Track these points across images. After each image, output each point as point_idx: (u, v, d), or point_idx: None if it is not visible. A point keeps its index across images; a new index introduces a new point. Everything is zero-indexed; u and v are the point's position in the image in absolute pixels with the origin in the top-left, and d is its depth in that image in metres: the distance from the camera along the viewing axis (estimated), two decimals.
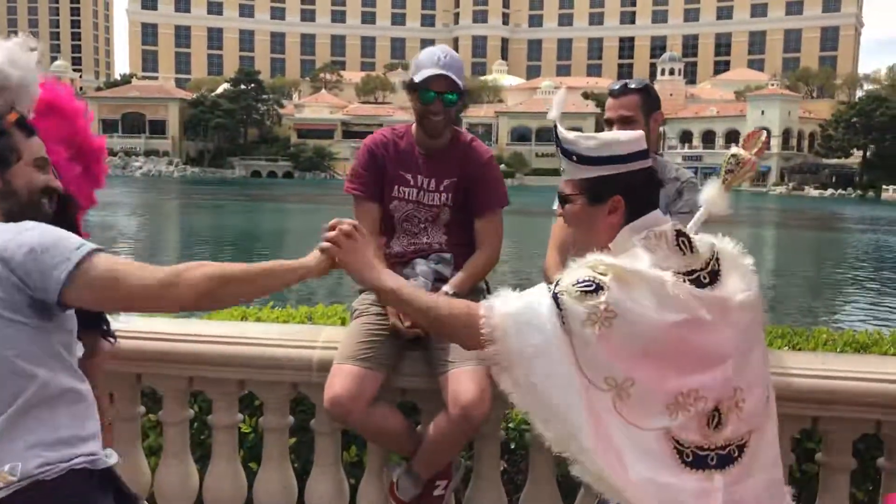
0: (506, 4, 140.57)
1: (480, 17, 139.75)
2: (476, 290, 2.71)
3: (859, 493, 2.77)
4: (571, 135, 1.79)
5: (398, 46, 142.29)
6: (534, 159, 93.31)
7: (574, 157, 1.78)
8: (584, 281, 1.64)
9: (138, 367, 2.63)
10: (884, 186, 79.72)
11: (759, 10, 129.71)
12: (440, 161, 2.71)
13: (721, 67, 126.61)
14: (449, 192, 2.70)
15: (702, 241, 1.76)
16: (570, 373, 1.63)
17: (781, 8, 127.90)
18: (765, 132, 1.93)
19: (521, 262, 17.76)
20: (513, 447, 3.06)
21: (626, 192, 1.76)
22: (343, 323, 3.59)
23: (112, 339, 2.36)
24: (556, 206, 2.89)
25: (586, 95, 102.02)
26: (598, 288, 1.62)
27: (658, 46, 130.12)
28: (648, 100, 2.79)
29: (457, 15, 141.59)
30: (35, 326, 1.62)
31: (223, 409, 2.69)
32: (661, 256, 1.69)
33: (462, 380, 2.36)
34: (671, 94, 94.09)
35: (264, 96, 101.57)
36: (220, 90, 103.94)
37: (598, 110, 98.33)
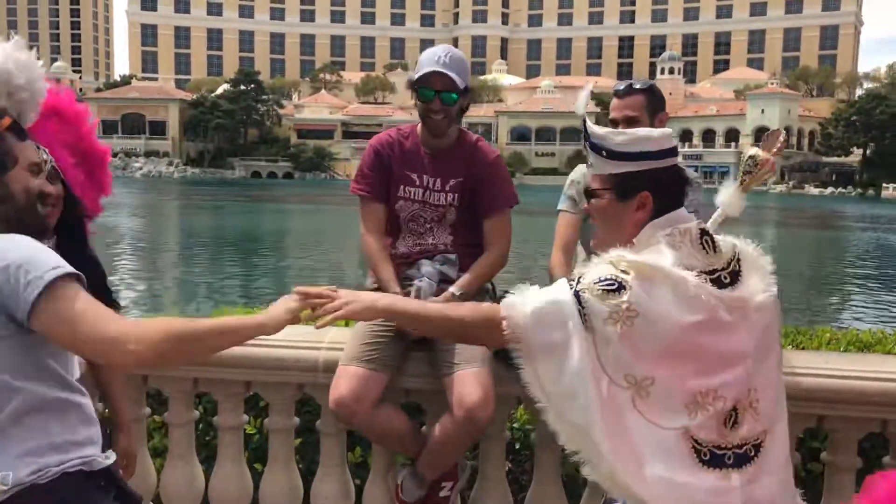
0: (505, 4, 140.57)
1: (480, 17, 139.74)
2: (482, 291, 2.72)
3: None
4: (602, 130, 1.80)
5: (398, 46, 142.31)
6: (533, 158, 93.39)
7: (604, 153, 1.78)
8: (607, 279, 1.64)
9: (143, 368, 2.62)
10: (884, 185, 79.73)
11: (758, 9, 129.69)
12: (446, 161, 2.72)
13: (721, 66, 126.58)
14: (455, 191, 2.70)
15: (724, 241, 1.77)
16: (589, 370, 1.64)
17: (781, 7, 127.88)
18: (784, 132, 1.98)
19: (522, 261, 17.76)
20: (517, 447, 3.06)
21: (655, 188, 1.76)
22: (346, 324, 3.60)
23: None
24: (561, 205, 2.91)
25: None
26: (621, 287, 1.62)
27: (658, 45, 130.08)
28: (653, 100, 2.80)
29: (456, 15, 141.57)
30: (18, 340, 1.58)
31: (229, 410, 2.69)
32: (684, 254, 1.70)
33: (466, 382, 2.37)
34: (671, 93, 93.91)
35: (264, 97, 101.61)
36: (219, 91, 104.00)
37: (598, 109, 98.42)
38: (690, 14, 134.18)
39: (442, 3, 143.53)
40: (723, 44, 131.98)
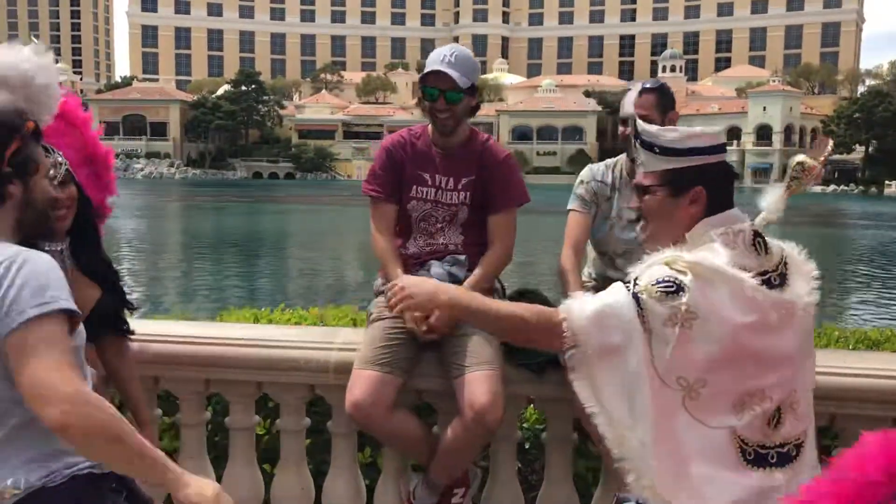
0: (506, 3, 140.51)
1: (480, 16, 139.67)
2: (491, 290, 2.72)
3: None
4: (653, 127, 1.83)
5: (398, 46, 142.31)
6: (535, 158, 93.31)
7: (656, 149, 1.81)
8: (665, 281, 1.66)
9: (156, 369, 2.64)
10: (886, 182, 79.63)
11: (759, 7, 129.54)
12: (458, 160, 2.72)
13: (722, 64, 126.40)
14: (467, 190, 2.71)
15: (772, 243, 1.80)
16: (643, 372, 1.66)
17: (782, 4, 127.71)
18: (831, 140, 2.00)
19: (525, 260, 17.76)
20: (527, 447, 3.06)
21: (707, 183, 1.79)
22: (354, 324, 3.61)
23: (131, 335, 2.39)
24: (571, 205, 2.91)
25: (587, 93, 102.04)
26: (679, 289, 1.64)
27: (659, 44, 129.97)
28: (664, 99, 2.81)
29: (457, 14, 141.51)
30: None
31: (240, 411, 2.70)
32: (737, 254, 1.72)
33: (476, 384, 2.37)
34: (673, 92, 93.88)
35: (265, 97, 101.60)
36: (220, 91, 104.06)
37: (600, 108, 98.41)
38: (691, 12, 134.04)
39: (442, 3, 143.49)
40: (724, 42, 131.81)
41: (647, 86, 2.85)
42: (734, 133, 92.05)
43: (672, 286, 1.64)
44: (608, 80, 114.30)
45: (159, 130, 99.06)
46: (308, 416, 2.80)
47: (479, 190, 2.72)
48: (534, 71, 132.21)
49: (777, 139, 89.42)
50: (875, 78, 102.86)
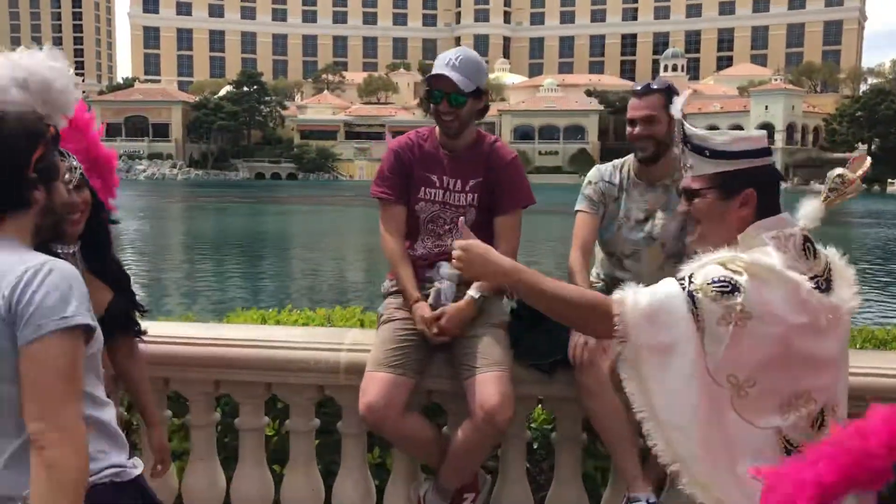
0: (507, 3, 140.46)
1: (482, 16, 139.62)
2: (500, 291, 2.73)
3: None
4: (702, 131, 1.86)
5: (400, 47, 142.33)
6: (537, 157, 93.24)
7: (707, 153, 1.84)
8: (721, 281, 1.67)
9: (166, 371, 2.65)
10: (889, 180, 79.46)
11: (761, 5, 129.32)
12: (465, 162, 2.73)
13: (724, 63, 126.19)
14: (475, 192, 2.72)
15: (818, 249, 1.82)
16: (694, 370, 1.68)
17: (784, 3, 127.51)
18: (869, 157, 2.04)
19: (527, 260, 17.80)
20: (535, 447, 3.07)
21: (757, 185, 1.82)
22: (362, 324, 3.61)
23: (143, 336, 2.40)
24: (578, 206, 2.91)
25: (589, 93, 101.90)
26: (735, 289, 1.66)
27: (660, 43, 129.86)
28: (671, 99, 2.79)
29: (458, 14, 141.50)
30: None
31: (250, 412, 2.71)
32: (789, 258, 1.74)
33: (486, 385, 2.39)
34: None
35: (267, 98, 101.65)
36: (222, 92, 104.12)
37: (602, 107, 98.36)
38: (693, 11, 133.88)
39: (444, 3, 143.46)
40: (726, 40, 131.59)
41: (654, 86, 2.84)
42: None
43: (727, 286, 1.66)
44: (610, 80, 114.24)
45: (161, 131, 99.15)
46: (317, 416, 2.81)
47: (487, 192, 2.73)
48: (535, 70, 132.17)
49: (779, 138, 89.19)
50: (877, 76, 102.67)
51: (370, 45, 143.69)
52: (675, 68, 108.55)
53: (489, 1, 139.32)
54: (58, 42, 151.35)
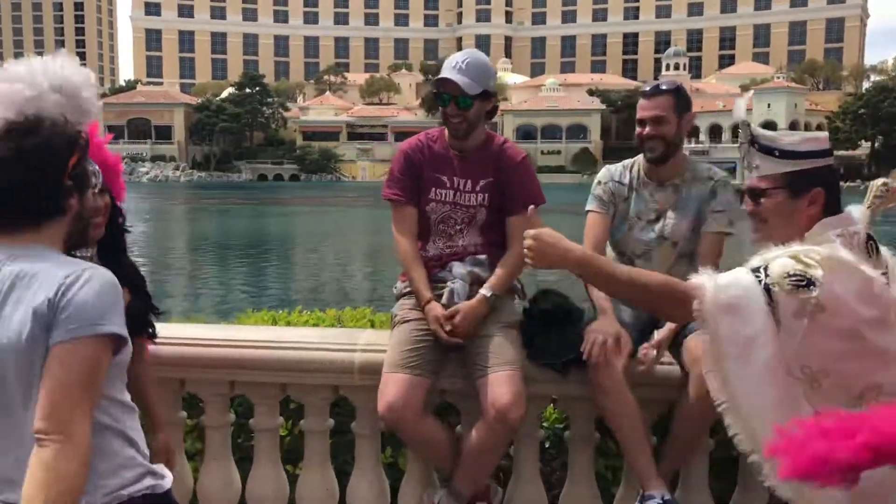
0: (509, 3, 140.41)
1: (483, 17, 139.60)
2: (511, 290, 2.75)
3: None
4: (770, 132, 1.90)
5: (402, 47, 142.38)
6: (539, 157, 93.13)
7: (776, 153, 1.88)
8: (796, 275, 1.70)
9: (182, 372, 2.67)
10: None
11: (763, 3, 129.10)
12: (475, 162, 2.75)
13: (726, 61, 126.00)
14: (485, 192, 2.74)
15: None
16: (771, 363, 1.70)
17: (786, 0, 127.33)
18: None
19: None
20: (547, 446, 3.09)
21: (825, 184, 1.87)
22: (372, 325, 3.63)
23: (155, 338, 2.42)
24: (589, 206, 2.92)
25: (591, 92, 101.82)
26: (810, 283, 1.68)
27: (662, 42, 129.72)
28: (680, 100, 2.81)
29: (460, 14, 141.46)
30: None
31: (265, 413, 2.73)
32: (854, 255, 1.77)
33: (498, 383, 2.41)
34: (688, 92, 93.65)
35: (269, 99, 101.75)
36: (224, 94, 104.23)
37: (604, 106, 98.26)
38: (695, 9, 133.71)
39: (445, 3, 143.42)
40: (728, 39, 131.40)
41: (664, 87, 2.85)
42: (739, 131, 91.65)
43: (803, 280, 1.69)
44: (612, 79, 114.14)
45: (164, 134, 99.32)
46: (330, 416, 2.83)
47: (497, 192, 2.75)
48: (537, 70, 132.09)
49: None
50: (880, 73, 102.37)
51: (372, 45, 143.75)
52: (677, 67, 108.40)
53: (490, 1, 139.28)
54: (60, 45, 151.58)
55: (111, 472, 1.65)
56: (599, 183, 2.93)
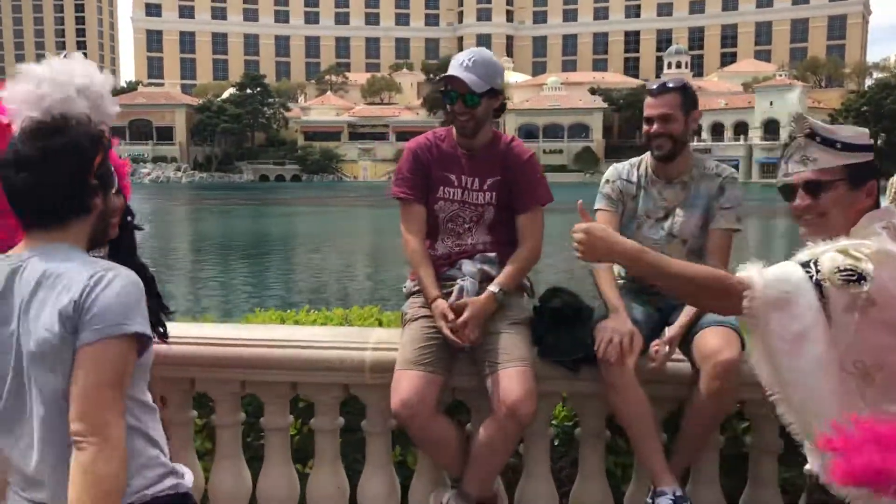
0: (510, 2, 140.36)
1: (484, 16, 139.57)
2: (520, 288, 2.76)
3: None
4: (831, 126, 1.92)
5: (402, 47, 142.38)
6: (541, 156, 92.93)
7: (838, 145, 1.90)
8: (847, 270, 1.71)
9: (193, 371, 2.67)
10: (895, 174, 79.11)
11: (764, 1, 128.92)
12: (482, 161, 2.76)
13: (728, 59, 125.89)
14: (493, 190, 2.74)
15: None
16: (823, 357, 1.71)
17: None
18: None
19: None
20: (556, 444, 3.09)
21: (876, 177, 1.91)
22: (380, 324, 3.64)
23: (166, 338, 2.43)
24: (598, 204, 2.92)
25: (593, 91, 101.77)
26: (861, 277, 1.69)
27: (664, 40, 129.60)
28: (687, 98, 2.82)
29: (461, 14, 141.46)
30: None
31: (275, 411, 2.73)
32: None
33: (509, 379, 2.41)
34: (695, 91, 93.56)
35: (270, 100, 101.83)
36: (225, 95, 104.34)
37: (606, 105, 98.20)
38: (696, 7, 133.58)
39: (446, 3, 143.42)
40: (729, 37, 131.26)
41: (670, 85, 2.85)
42: (741, 128, 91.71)
43: (853, 274, 1.70)
44: (613, 77, 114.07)
45: (165, 135, 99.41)
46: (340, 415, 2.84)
47: (505, 190, 2.75)
48: (539, 69, 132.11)
49: (785, 134, 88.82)
50: (882, 70, 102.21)
51: (373, 45, 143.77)
52: (678, 65, 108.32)
53: (491, 0, 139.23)
54: (61, 46, 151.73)
55: (135, 472, 1.66)
56: (608, 181, 2.94)
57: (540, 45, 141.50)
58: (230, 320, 5.47)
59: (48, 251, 1.66)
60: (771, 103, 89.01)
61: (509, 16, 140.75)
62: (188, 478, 1.81)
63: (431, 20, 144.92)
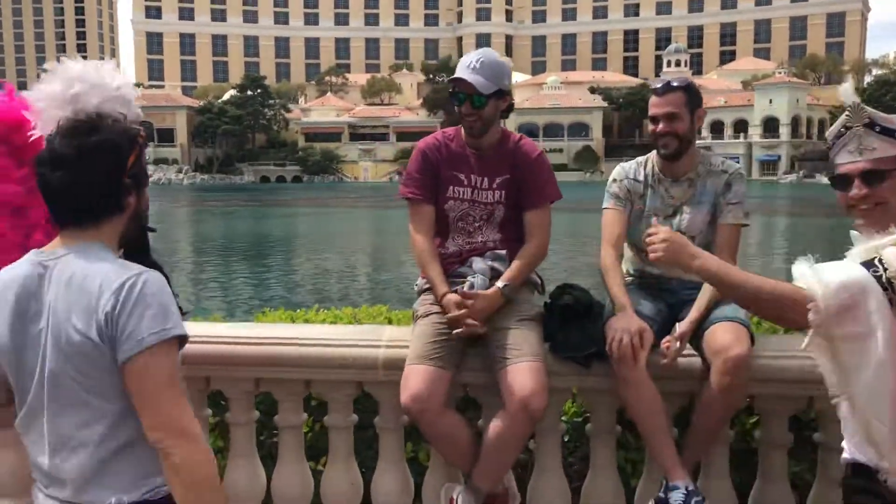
0: (509, 2, 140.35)
1: (484, 15, 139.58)
2: (529, 283, 2.78)
3: None
4: (888, 115, 1.92)
5: (402, 47, 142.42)
6: None
7: None
8: None
9: (207, 370, 2.70)
10: None
11: None
12: (491, 160, 2.79)
13: (727, 57, 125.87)
14: (502, 189, 2.77)
15: None
16: (890, 355, 1.71)
17: None
18: None
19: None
20: (566, 439, 3.11)
21: None
22: (390, 322, 3.66)
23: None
24: (606, 203, 2.94)
25: (592, 90, 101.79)
26: None
27: (663, 38, 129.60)
28: (692, 96, 2.84)
29: (460, 14, 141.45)
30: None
31: (289, 409, 2.76)
32: None
33: (520, 373, 2.44)
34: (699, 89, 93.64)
35: (271, 101, 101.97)
36: (226, 97, 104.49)
37: (605, 104, 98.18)
38: (695, 6, 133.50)
39: (446, 3, 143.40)
40: (728, 35, 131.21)
41: (675, 84, 2.87)
42: (741, 126, 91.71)
43: None
44: (613, 76, 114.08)
45: (166, 136, 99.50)
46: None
47: (514, 188, 2.78)
48: (538, 68, 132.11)
49: (784, 131, 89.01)
50: (881, 67, 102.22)
51: (372, 46, 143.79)
52: (678, 63, 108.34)
53: (491, 0, 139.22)
54: (61, 49, 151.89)
55: (154, 472, 1.68)
56: (615, 180, 2.96)
57: (539, 44, 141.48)
58: (235, 321, 5.49)
59: (82, 249, 1.67)
60: (770, 101, 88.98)
61: (508, 15, 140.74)
62: None
63: (431, 20, 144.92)
